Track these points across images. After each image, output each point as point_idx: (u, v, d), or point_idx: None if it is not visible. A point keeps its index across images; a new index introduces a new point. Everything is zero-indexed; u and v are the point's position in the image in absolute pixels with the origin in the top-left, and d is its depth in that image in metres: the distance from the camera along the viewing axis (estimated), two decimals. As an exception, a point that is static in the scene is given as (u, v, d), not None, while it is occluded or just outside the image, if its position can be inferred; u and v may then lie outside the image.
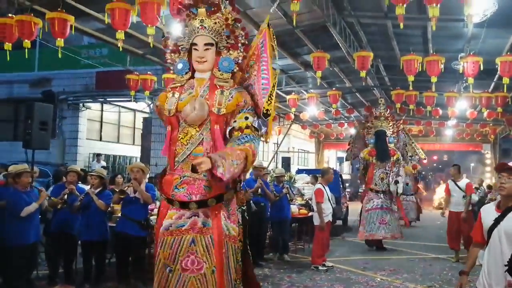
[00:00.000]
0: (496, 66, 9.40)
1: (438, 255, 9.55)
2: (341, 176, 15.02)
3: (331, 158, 34.77)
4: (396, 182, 10.07)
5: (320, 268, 7.88)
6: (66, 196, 6.34)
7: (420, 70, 9.86)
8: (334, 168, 20.37)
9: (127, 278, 6.26)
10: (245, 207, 3.76)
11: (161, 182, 3.57)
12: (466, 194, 8.73)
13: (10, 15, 7.76)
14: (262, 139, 3.63)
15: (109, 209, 6.81)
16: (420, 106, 16.31)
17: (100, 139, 17.69)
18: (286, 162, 19.76)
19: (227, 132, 3.43)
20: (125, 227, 6.20)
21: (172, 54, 3.63)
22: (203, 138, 3.40)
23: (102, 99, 16.95)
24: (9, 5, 8.18)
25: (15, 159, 10.66)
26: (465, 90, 14.03)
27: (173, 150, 3.44)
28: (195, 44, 3.49)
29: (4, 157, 13.27)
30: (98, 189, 6.44)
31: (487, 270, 3.35)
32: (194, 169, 3.30)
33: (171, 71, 3.64)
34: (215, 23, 3.51)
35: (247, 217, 3.72)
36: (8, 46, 7.79)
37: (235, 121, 3.43)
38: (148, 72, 11.92)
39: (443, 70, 9.90)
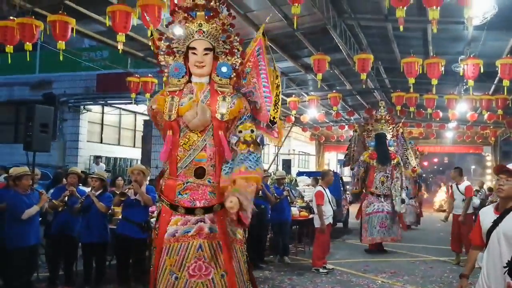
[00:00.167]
0: (496, 69, 9.41)
1: (438, 258, 9.54)
2: (341, 178, 14.99)
3: (332, 160, 34.75)
4: (403, 201, 10.05)
5: (321, 270, 7.87)
6: (66, 198, 6.35)
7: (420, 72, 9.88)
8: (335, 171, 20.38)
9: (128, 280, 6.26)
10: None
11: (160, 186, 3.56)
12: (465, 197, 8.74)
13: (11, 17, 7.79)
14: (274, 143, 3.67)
15: (110, 211, 6.82)
16: (420, 109, 16.32)
17: (101, 142, 17.71)
18: (287, 165, 19.77)
19: (233, 143, 3.41)
20: (126, 229, 6.20)
21: (166, 56, 3.56)
22: (206, 144, 3.38)
23: (103, 102, 16.96)
24: (10, 8, 8.20)
25: (16, 161, 10.68)
26: (465, 93, 14.04)
27: (175, 155, 3.40)
28: (194, 48, 3.46)
29: (4, 159, 13.30)
30: (99, 191, 6.44)
31: (486, 272, 3.35)
32: (197, 175, 3.34)
33: (166, 73, 3.55)
34: (213, 28, 3.50)
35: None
36: (9, 48, 7.82)
37: (240, 131, 3.41)
38: (149, 75, 11.94)
39: (443, 72, 9.92)
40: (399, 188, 10.06)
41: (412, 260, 9.27)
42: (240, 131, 3.42)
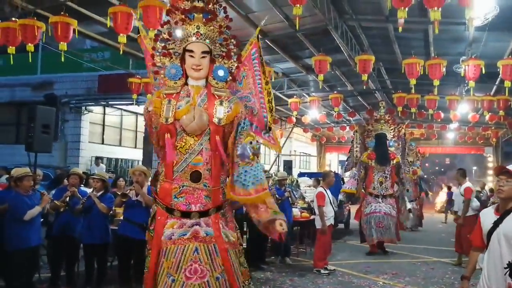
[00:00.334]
0: (498, 70, 9.41)
1: (440, 259, 9.52)
2: (343, 179, 14.98)
3: (333, 161, 34.77)
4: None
5: (322, 271, 7.87)
6: (68, 199, 6.35)
7: (421, 73, 9.88)
8: (336, 172, 20.37)
9: (129, 281, 6.26)
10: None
11: (156, 188, 3.55)
12: (464, 198, 8.73)
13: (13, 19, 7.83)
14: (276, 150, 3.72)
15: (111, 212, 6.82)
16: (422, 109, 16.32)
17: (102, 142, 17.71)
18: (288, 166, 19.74)
19: (240, 154, 3.41)
20: (127, 230, 6.20)
21: (162, 57, 3.51)
22: (202, 148, 3.37)
23: (104, 103, 16.96)
24: (12, 9, 8.23)
25: (18, 162, 10.70)
26: (467, 94, 14.06)
27: (171, 158, 3.40)
28: (191, 51, 3.43)
29: (6, 160, 13.31)
30: (100, 192, 6.45)
31: (487, 274, 3.35)
32: (193, 179, 3.35)
33: (162, 74, 3.50)
34: (210, 30, 3.47)
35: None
36: (11, 49, 7.85)
37: (250, 142, 3.41)
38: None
39: (445, 73, 9.92)
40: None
41: (413, 261, 9.26)
42: (250, 142, 3.42)
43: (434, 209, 22.89)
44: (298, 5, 6.75)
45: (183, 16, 3.47)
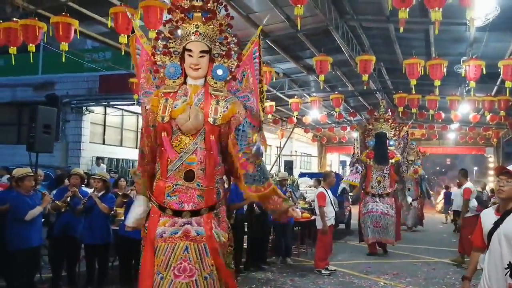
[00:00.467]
0: (499, 70, 9.40)
1: (441, 259, 9.51)
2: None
3: (334, 161, 34.75)
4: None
5: (323, 272, 7.87)
6: (69, 199, 6.36)
7: (422, 73, 9.88)
8: (337, 172, 20.39)
9: (130, 281, 6.26)
10: (227, 214, 3.78)
11: (151, 187, 3.57)
12: (463, 198, 8.75)
13: (15, 19, 7.84)
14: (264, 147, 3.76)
15: (112, 212, 6.83)
16: (422, 110, 16.31)
17: (103, 143, 17.71)
18: (289, 166, 19.75)
19: (247, 158, 3.43)
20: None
21: (163, 56, 3.52)
22: (197, 148, 3.37)
23: (106, 103, 16.96)
24: (14, 9, 8.25)
25: (19, 162, 10.71)
26: (467, 94, 14.05)
27: (166, 157, 3.41)
28: (190, 50, 3.42)
29: (7, 160, 13.32)
30: (101, 193, 6.45)
31: (488, 274, 3.35)
32: (187, 178, 3.35)
33: (162, 73, 3.52)
34: (210, 29, 3.45)
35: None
36: (13, 50, 7.86)
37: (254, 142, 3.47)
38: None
39: (445, 73, 9.92)
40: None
41: (414, 262, 9.25)
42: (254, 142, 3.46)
43: (435, 209, 22.88)
44: (299, 5, 6.76)
45: (182, 15, 3.47)
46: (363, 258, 9.60)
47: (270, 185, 3.49)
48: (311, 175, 15.82)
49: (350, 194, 14.23)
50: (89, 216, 6.32)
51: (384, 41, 11.63)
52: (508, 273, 3.21)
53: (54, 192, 6.94)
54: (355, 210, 14.12)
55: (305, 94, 17.05)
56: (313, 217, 9.34)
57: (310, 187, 13.31)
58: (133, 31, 3.92)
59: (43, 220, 6.15)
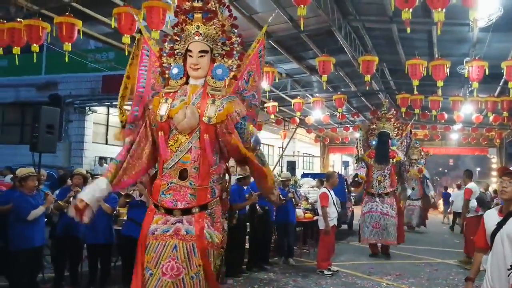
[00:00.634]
0: (502, 71, 9.39)
1: (444, 260, 9.49)
2: (346, 180, 14.94)
3: (336, 162, 34.71)
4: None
5: (326, 272, 7.86)
6: (72, 199, 6.36)
7: (425, 74, 9.87)
8: (339, 172, 20.35)
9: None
10: (229, 214, 3.78)
11: (151, 186, 3.60)
12: (464, 199, 8.76)
13: (18, 19, 7.86)
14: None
15: (115, 212, 6.84)
16: (425, 110, 16.29)
17: (106, 143, 17.74)
18: (291, 166, 19.73)
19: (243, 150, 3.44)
20: (131, 230, 6.19)
21: (168, 58, 3.57)
22: (191, 146, 3.38)
23: (108, 103, 16.98)
24: (17, 10, 8.28)
25: (22, 162, 10.72)
26: (470, 95, 14.02)
27: (161, 156, 3.45)
28: (190, 51, 3.47)
29: (10, 160, 13.36)
30: (104, 193, 6.45)
31: (491, 275, 3.35)
32: (181, 176, 3.36)
33: (167, 75, 3.58)
34: (211, 29, 3.47)
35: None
36: (16, 50, 7.89)
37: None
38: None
39: (448, 74, 9.90)
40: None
41: (417, 262, 9.24)
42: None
43: (438, 210, 22.84)
44: (302, 6, 6.76)
45: (184, 17, 3.51)
46: (366, 258, 9.60)
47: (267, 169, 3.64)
48: (313, 176, 15.78)
49: (353, 194, 14.21)
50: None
51: (387, 41, 11.63)
52: (511, 274, 3.21)
53: (57, 192, 6.94)
54: (357, 210, 14.12)
55: (308, 95, 17.05)
56: (315, 218, 9.34)
57: (312, 187, 13.28)
58: (138, 31, 3.93)
59: (45, 220, 6.16)
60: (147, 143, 3.56)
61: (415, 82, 10.04)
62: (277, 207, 8.67)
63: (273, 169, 13.98)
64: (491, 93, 13.67)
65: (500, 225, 3.34)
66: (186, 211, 3.37)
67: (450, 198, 17.97)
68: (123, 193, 6.79)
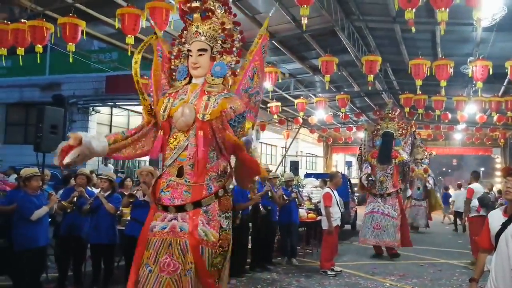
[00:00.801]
0: (506, 70, 9.36)
1: (447, 260, 9.47)
2: (349, 180, 14.94)
3: (340, 162, 34.69)
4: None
5: (329, 272, 7.85)
6: (75, 199, 6.39)
7: (428, 74, 9.84)
8: (343, 172, 20.32)
9: (136, 281, 6.28)
10: (231, 213, 3.66)
11: (154, 186, 3.64)
12: (466, 198, 8.77)
13: (22, 20, 7.89)
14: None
15: (118, 212, 6.86)
16: (429, 110, 16.25)
17: (109, 143, 17.81)
18: (294, 166, 19.73)
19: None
20: (135, 230, 6.18)
21: (175, 60, 3.67)
22: (188, 144, 3.42)
23: (112, 103, 17.05)
24: (21, 10, 8.31)
25: (26, 162, 10.76)
26: (474, 94, 13.99)
27: (164, 154, 3.52)
28: (190, 50, 3.53)
29: (14, 160, 13.40)
30: (108, 193, 6.48)
31: (495, 275, 3.35)
32: (179, 174, 3.41)
33: (174, 76, 3.70)
34: (210, 28, 3.51)
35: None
36: (20, 51, 7.91)
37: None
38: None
39: (452, 74, 9.88)
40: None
41: (420, 263, 9.22)
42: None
43: (441, 210, 22.76)
44: (305, 6, 6.76)
45: (185, 18, 3.59)
46: (369, 259, 9.58)
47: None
48: (316, 176, 15.78)
49: (356, 194, 14.20)
50: (95, 216, 6.35)
51: (390, 41, 11.61)
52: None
53: (61, 192, 6.97)
54: (361, 210, 14.12)
55: (311, 95, 17.04)
56: (318, 218, 9.34)
57: (315, 187, 13.28)
58: (153, 34, 3.95)
59: (49, 220, 6.18)
60: (150, 140, 3.66)
61: (419, 82, 10.02)
62: (280, 207, 8.68)
63: (276, 169, 14.02)
64: (495, 93, 13.62)
65: (504, 226, 3.33)
66: (180, 208, 3.39)
67: (451, 198, 17.95)
68: (126, 194, 6.83)
